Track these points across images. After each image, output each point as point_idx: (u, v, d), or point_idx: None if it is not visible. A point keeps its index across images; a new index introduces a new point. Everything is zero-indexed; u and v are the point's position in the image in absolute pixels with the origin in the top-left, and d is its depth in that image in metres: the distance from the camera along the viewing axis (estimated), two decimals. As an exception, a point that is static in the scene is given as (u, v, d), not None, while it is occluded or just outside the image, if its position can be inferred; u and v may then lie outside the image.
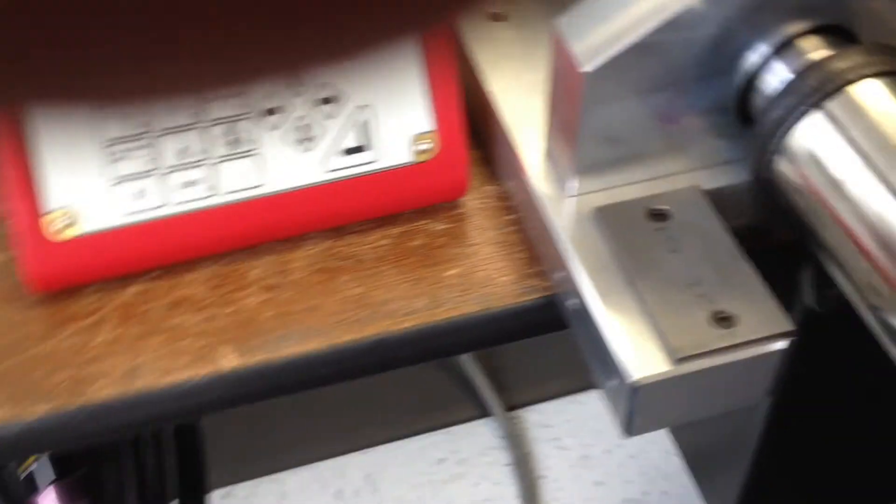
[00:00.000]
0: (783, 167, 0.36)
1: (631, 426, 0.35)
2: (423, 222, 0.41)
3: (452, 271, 0.40)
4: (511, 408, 1.20)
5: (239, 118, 0.37)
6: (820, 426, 0.74)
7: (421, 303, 0.38)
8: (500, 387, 1.19)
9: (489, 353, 1.20)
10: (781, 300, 0.36)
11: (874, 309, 0.34)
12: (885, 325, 0.33)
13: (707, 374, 0.34)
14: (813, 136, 0.34)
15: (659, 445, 1.18)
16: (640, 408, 0.34)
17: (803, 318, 0.47)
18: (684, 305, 0.35)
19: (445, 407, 1.18)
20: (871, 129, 0.33)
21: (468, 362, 1.16)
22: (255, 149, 0.37)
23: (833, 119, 0.34)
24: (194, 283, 0.39)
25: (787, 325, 0.34)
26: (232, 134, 0.37)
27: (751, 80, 0.37)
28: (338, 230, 0.40)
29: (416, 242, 0.40)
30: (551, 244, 0.38)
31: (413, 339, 0.38)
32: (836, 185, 0.34)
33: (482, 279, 0.39)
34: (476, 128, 0.45)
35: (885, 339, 0.33)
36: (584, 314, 0.36)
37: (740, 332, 0.34)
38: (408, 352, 0.38)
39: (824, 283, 0.38)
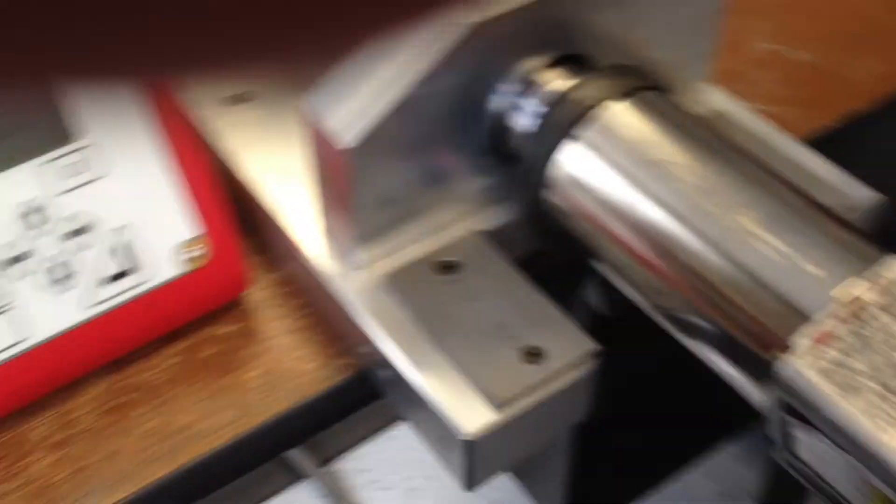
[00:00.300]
0: (552, 198, 0.37)
1: (472, 479, 0.35)
2: (210, 329, 0.39)
3: (253, 373, 0.38)
4: (324, 462, 1.17)
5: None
6: (628, 403, 0.77)
7: (228, 415, 0.36)
8: (307, 446, 1.16)
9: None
10: (577, 311, 0.37)
11: (661, 308, 0.35)
12: (674, 320, 0.35)
13: (531, 412, 0.34)
14: (572, 164, 0.35)
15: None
16: (477, 460, 0.34)
17: (596, 322, 0.49)
18: (493, 350, 0.35)
19: (256, 483, 1.14)
20: (625, 148, 0.35)
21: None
22: (8, 303, 0.33)
23: (588, 144, 0.35)
24: (-33, 462, 0.34)
25: (589, 345, 0.35)
26: (-25, 293, 0.33)
27: (503, 120, 0.38)
28: (118, 361, 0.37)
29: (207, 353, 0.38)
30: (348, 321, 0.37)
31: (229, 455, 0.35)
32: (603, 205, 0.35)
33: (286, 373, 0.38)
34: (244, 216, 0.43)
35: (676, 333, 0.35)
36: (398, 383, 0.36)
37: (551, 364, 0.35)
38: (227, 468, 0.36)
39: (611, 289, 0.39)
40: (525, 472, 1.08)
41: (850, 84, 0.51)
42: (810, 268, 0.31)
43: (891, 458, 0.27)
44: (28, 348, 0.34)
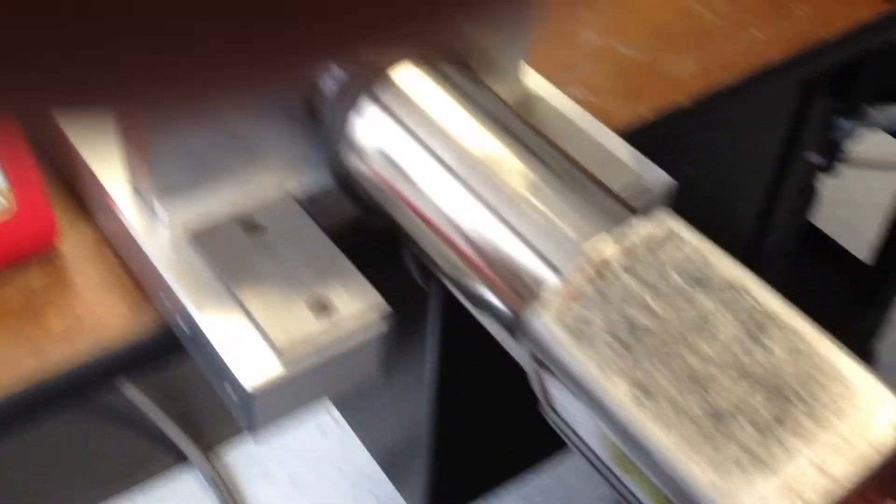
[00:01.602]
0: (352, 161, 0.38)
1: (253, 425, 0.36)
2: (17, 278, 0.40)
3: (56, 321, 0.39)
4: (208, 448, 1.17)
5: None
6: (480, 396, 0.79)
7: (28, 362, 0.37)
8: (193, 431, 1.16)
9: (175, 397, 1.16)
10: (398, 284, 0.39)
11: (442, 271, 0.37)
12: (453, 281, 0.37)
13: (317, 367, 0.36)
14: (366, 126, 0.37)
15: (364, 453, 1.20)
16: (260, 409, 0.35)
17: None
18: (284, 302, 0.36)
19: (139, 463, 1.13)
20: (414, 110, 0.37)
21: (154, 412, 1.12)
22: None
23: (382, 107, 0.37)
24: None
25: (378, 299, 0.37)
26: None
27: (312, 84, 0.39)
28: (-79, 302, 0.38)
29: (11, 300, 0.39)
30: (153, 275, 0.38)
31: (23, 398, 0.36)
32: (390, 164, 0.37)
33: (91, 323, 0.39)
34: (61, 171, 0.44)
35: (470, 307, 0.37)
36: (194, 335, 0.37)
37: (340, 320, 0.36)
38: (20, 412, 0.37)
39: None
40: (394, 468, 1.09)
41: (672, 79, 0.53)
42: (565, 227, 0.33)
43: (615, 407, 0.30)
44: None
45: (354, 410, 1.15)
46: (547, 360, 0.31)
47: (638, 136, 0.47)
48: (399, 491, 1.10)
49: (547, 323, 0.31)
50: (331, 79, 0.39)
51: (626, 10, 0.57)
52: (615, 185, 0.36)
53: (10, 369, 0.37)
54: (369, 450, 1.17)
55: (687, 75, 0.54)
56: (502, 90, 0.40)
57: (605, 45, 0.55)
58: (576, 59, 0.55)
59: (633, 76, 0.54)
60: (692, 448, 0.28)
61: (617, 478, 0.32)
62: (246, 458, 1.18)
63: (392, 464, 1.07)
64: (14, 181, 0.38)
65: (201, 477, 1.14)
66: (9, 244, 0.38)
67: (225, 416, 1.27)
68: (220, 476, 1.14)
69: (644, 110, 0.52)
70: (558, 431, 0.35)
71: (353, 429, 1.21)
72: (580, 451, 0.34)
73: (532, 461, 1.02)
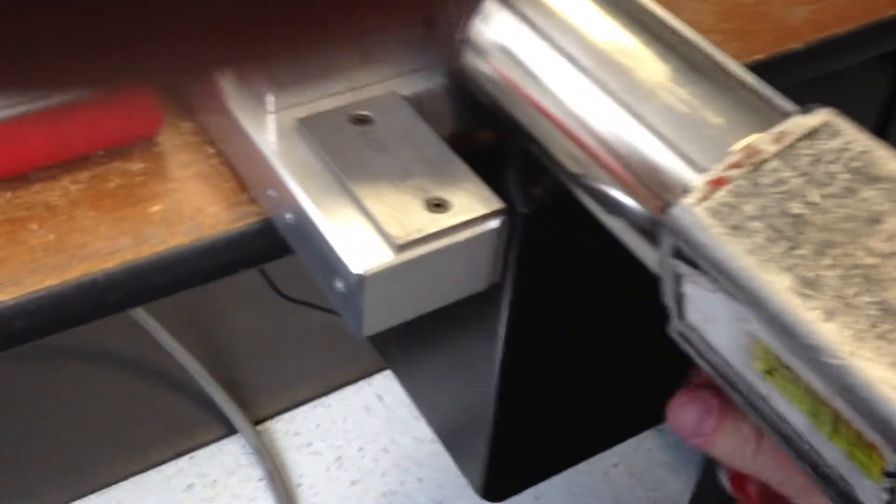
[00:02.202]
0: (472, 61, 0.37)
1: (362, 324, 0.34)
2: (118, 163, 0.38)
3: (156, 207, 0.37)
4: (257, 422, 1.16)
5: None
6: (553, 370, 0.77)
7: (125, 241, 0.36)
8: (242, 402, 1.14)
9: (227, 367, 1.15)
10: None
11: (571, 175, 0.35)
12: (583, 186, 0.35)
13: (429, 259, 0.34)
14: (488, 24, 0.35)
15: (409, 435, 1.19)
16: (369, 303, 0.34)
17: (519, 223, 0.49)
18: (398, 198, 0.35)
19: (187, 431, 1.12)
20: (539, 7, 0.35)
21: (205, 380, 1.11)
22: None
23: (507, 4, 0.35)
24: None
25: (497, 203, 0.35)
26: None
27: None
28: (20, 179, 0.37)
29: (111, 184, 0.38)
30: (258, 163, 0.37)
31: (121, 280, 0.35)
32: (515, 63, 0.35)
33: (190, 212, 0.37)
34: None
35: (585, 200, 0.35)
36: (301, 224, 0.35)
37: (455, 215, 0.34)
38: (117, 294, 0.35)
39: (527, 182, 0.39)
40: (454, 440, 1.07)
41: (784, 25, 0.51)
42: (715, 124, 0.31)
43: (775, 301, 0.27)
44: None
45: (415, 378, 1.13)
46: (691, 251, 0.29)
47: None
48: (458, 465, 1.08)
49: (692, 209, 0.29)
50: (450, -27, 0.37)
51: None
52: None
53: (109, 249, 0.35)
54: (427, 419, 1.15)
55: (800, 22, 0.52)
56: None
57: (714, -15, 0.53)
58: (682, -2, 0.53)
59: (744, 18, 0.52)
60: (866, 345, 0.26)
61: (752, 390, 0.30)
62: (291, 432, 1.16)
63: (452, 437, 1.05)
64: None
65: (247, 448, 1.12)
66: (110, 122, 0.37)
67: (273, 389, 1.26)
68: (265, 447, 1.12)
69: (757, 51, 0.50)
70: (685, 346, 0.33)
71: (411, 397, 1.19)
72: (711, 364, 0.32)
73: (593, 450, 0.99)
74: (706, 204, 0.29)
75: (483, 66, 0.36)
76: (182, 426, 1.12)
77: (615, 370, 0.67)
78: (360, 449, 1.17)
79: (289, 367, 1.18)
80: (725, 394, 0.31)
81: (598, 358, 0.67)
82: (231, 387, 1.14)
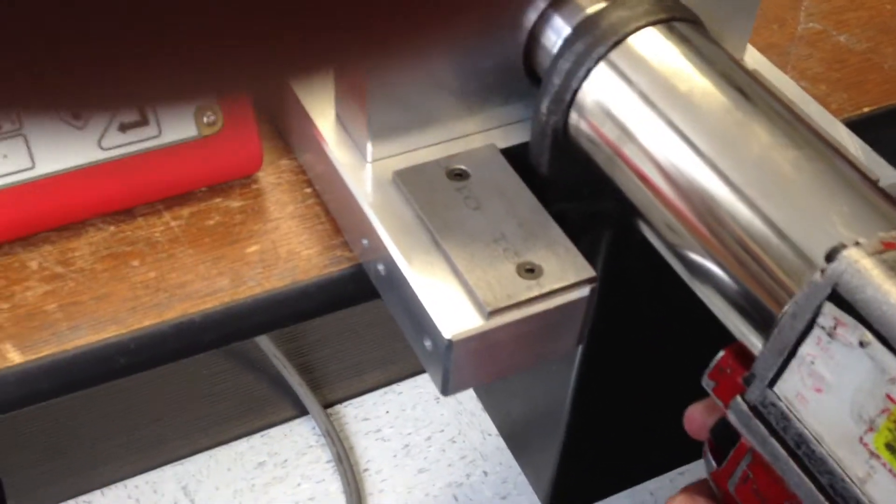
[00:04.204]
0: (574, 120, 0.36)
1: (448, 384, 0.35)
2: (218, 200, 0.39)
3: (253, 248, 0.38)
4: (328, 405, 1.18)
5: None
6: (626, 388, 0.77)
7: (222, 282, 0.37)
8: (314, 384, 1.17)
9: (301, 350, 1.18)
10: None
11: (672, 246, 0.35)
12: (684, 260, 0.34)
13: (519, 325, 0.34)
14: (599, 88, 0.35)
15: (477, 428, 1.19)
16: (456, 364, 0.34)
17: (602, 274, 0.48)
18: (490, 260, 0.35)
19: (260, 410, 1.15)
20: (653, 75, 0.34)
21: (281, 361, 1.14)
22: (17, 129, 0.34)
23: (616, 69, 0.35)
24: (-35, 282, 0.35)
25: (588, 271, 0.35)
26: (-7, 114, 0.34)
27: (532, 36, 0.38)
28: (124, 213, 0.38)
29: (211, 221, 0.39)
30: (353, 211, 0.37)
31: (218, 320, 0.36)
32: (626, 132, 0.35)
33: (285, 254, 0.38)
34: (266, 99, 0.43)
35: (687, 276, 0.35)
36: (393, 278, 0.36)
37: (546, 282, 0.34)
38: (213, 334, 0.36)
39: (616, 246, 0.39)
40: (520, 444, 1.08)
41: (893, 74, 0.50)
42: (835, 222, 0.30)
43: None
44: (35, 177, 0.34)
45: (488, 384, 1.14)
46: (862, 306, 0.27)
47: (855, 130, 0.44)
48: (523, 470, 1.08)
49: (871, 265, 0.27)
50: (556, 36, 0.37)
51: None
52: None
53: (207, 290, 0.36)
54: (495, 421, 1.16)
55: (910, 72, 0.50)
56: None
57: (821, 30, 0.52)
58: (788, 42, 0.51)
59: (853, 67, 0.50)
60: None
61: (841, 471, 0.29)
62: (361, 417, 1.18)
63: (519, 443, 1.05)
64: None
65: (317, 430, 1.15)
66: (214, 162, 0.38)
67: (345, 375, 1.28)
68: (335, 431, 1.15)
69: (863, 103, 0.48)
70: (746, 423, 0.32)
71: (481, 400, 1.20)
72: (780, 441, 0.31)
73: (651, 473, 0.99)
74: (880, 257, 0.28)
75: (587, 128, 0.36)
76: (256, 405, 1.15)
77: (678, 398, 0.66)
78: (428, 438, 1.19)
79: (362, 352, 1.20)
80: (779, 480, 0.30)
81: (661, 384, 0.67)
82: (305, 370, 1.17)
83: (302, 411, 1.16)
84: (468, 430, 1.19)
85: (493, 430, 1.20)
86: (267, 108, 0.43)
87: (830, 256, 0.28)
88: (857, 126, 0.47)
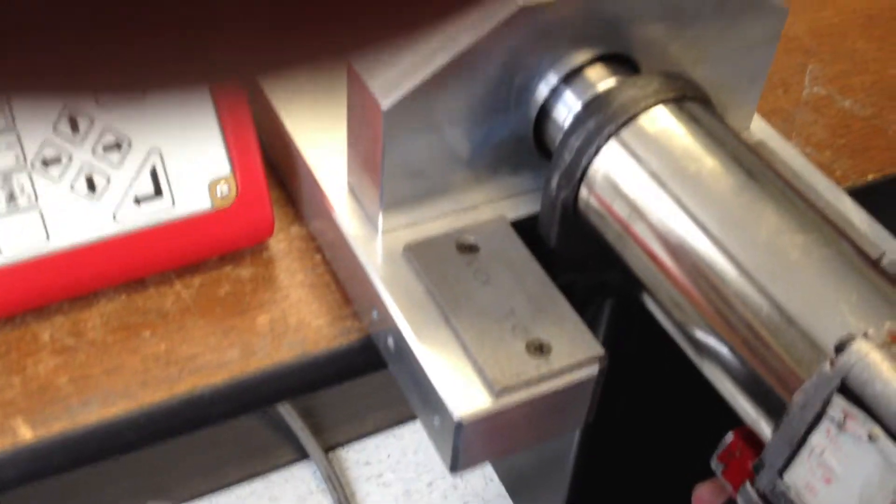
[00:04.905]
0: (584, 196, 0.37)
1: (457, 462, 0.35)
2: (229, 269, 0.39)
3: (263, 318, 0.38)
4: (329, 448, 1.17)
5: (12, 171, 0.34)
6: (631, 453, 0.77)
7: (232, 354, 0.37)
8: (316, 428, 1.16)
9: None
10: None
11: (680, 325, 0.35)
12: (691, 340, 0.35)
13: (528, 404, 0.34)
14: (610, 165, 0.36)
15: (479, 473, 1.19)
16: (465, 443, 0.34)
17: (605, 341, 0.49)
18: (500, 337, 0.35)
19: (261, 454, 1.15)
20: (663, 155, 0.35)
21: (282, 405, 1.13)
22: (34, 203, 0.34)
23: (627, 147, 0.35)
24: (-24, 352, 0.35)
25: (597, 349, 0.35)
26: (6, 188, 0.34)
27: (543, 111, 0.38)
28: (136, 283, 0.38)
29: (222, 291, 0.39)
30: (363, 284, 0.37)
31: (227, 393, 0.36)
32: (636, 210, 0.35)
33: (295, 323, 0.38)
34: (276, 166, 0.44)
35: (694, 355, 0.35)
36: (402, 352, 0.36)
37: (555, 360, 0.35)
38: (223, 407, 0.36)
39: (622, 322, 0.39)
40: (522, 495, 1.07)
41: (895, 141, 0.50)
42: (844, 311, 0.30)
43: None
44: (47, 251, 0.35)
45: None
46: (872, 399, 0.27)
47: (859, 198, 0.44)
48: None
49: (882, 357, 0.27)
50: (567, 111, 0.37)
51: (848, 61, 0.54)
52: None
53: (217, 362, 0.36)
54: (497, 471, 1.15)
55: (915, 139, 0.51)
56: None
57: (826, 95, 0.52)
58: (794, 107, 0.52)
59: (858, 133, 0.51)
60: None
61: None
62: (363, 461, 1.18)
63: (522, 492, 1.05)
64: (239, 170, 0.38)
65: (318, 475, 1.14)
66: (226, 233, 0.38)
67: (346, 418, 1.27)
68: (336, 476, 1.14)
69: (868, 170, 0.49)
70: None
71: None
72: None
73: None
74: (889, 350, 0.28)
75: (596, 204, 0.36)
76: (258, 448, 1.15)
77: (682, 466, 0.66)
78: (430, 484, 1.18)
79: (364, 395, 1.20)
80: None
81: (666, 452, 0.67)
82: (306, 412, 1.16)
83: (303, 454, 1.15)
84: (470, 476, 1.18)
85: (496, 476, 1.19)
86: (276, 171, 0.43)
87: (840, 347, 0.28)
88: (862, 194, 0.48)
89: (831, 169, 0.48)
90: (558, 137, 0.38)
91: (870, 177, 0.49)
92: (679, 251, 0.34)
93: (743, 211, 0.33)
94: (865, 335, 0.28)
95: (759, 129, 0.45)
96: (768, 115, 0.49)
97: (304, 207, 0.42)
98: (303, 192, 0.42)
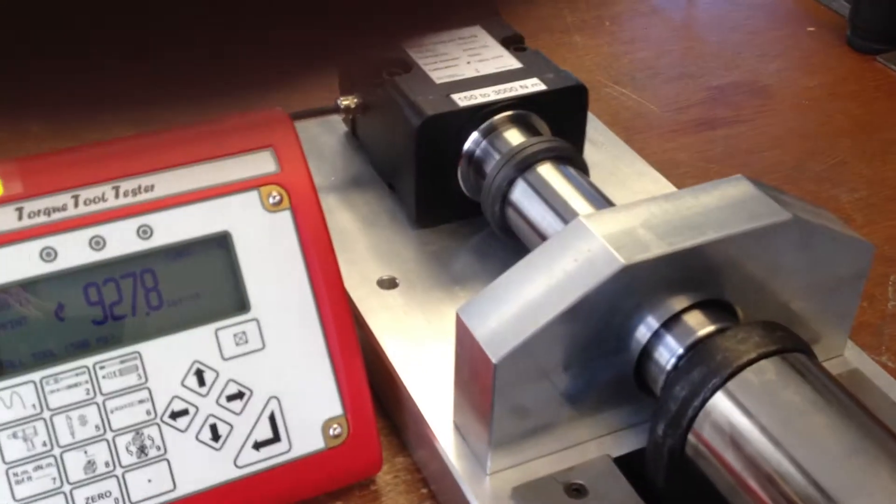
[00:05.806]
0: (692, 443, 0.37)
1: None
2: (339, 504, 0.40)
3: (372, 558, 0.39)
4: None
5: (144, 425, 0.36)
6: None
7: None
8: None
9: None
10: None
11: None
12: None
13: None
14: (717, 417, 0.36)
15: None
16: None
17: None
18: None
19: None
20: (772, 410, 0.35)
21: None
22: (162, 454, 0.36)
23: (734, 399, 0.36)
24: None
25: None
26: (138, 442, 0.36)
27: (644, 352, 0.39)
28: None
29: (331, 529, 0.39)
30: (473, 525, 0.38)
31: None
32: (750, 464, 0.35)
33: (403, 563, 0.39)
34: (378, 394, 0.45)
35: None
36: None
37: None
38: None
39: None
40: None
41: None
42: None
43: None
44: (174, 499, 0.36)
45: None
46: None
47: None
48: None
49: None
50: (669, 354, 0.38)
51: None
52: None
53: None
54: None
55: None
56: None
57: (911, 305, 0.53)
58: (880, 321, 0.52)
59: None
60: None
61: None
62: None
63: None
64: (350, 409, 0.39)
65: None
66: (338, 471, 0.39)
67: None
68: None
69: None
70: None
71: None
72: None
73: None
74: None
75: (705, 452, 0.37)
76: None
77: None
78: None
79: None
80: None
81: None
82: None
83: None
84: None
85: None
86: (381, 404, 0.44)
87: None
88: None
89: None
90: (661, 379, 0.39)
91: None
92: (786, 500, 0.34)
93: (860, 471, 0.33)
94: None
95: (850, 351, 0.46)
96: (856, 330, 0.50)
97: (409, 437, 0.43)
98: (408, 425, 0.43)
